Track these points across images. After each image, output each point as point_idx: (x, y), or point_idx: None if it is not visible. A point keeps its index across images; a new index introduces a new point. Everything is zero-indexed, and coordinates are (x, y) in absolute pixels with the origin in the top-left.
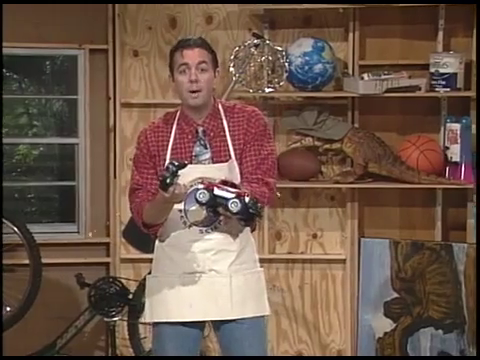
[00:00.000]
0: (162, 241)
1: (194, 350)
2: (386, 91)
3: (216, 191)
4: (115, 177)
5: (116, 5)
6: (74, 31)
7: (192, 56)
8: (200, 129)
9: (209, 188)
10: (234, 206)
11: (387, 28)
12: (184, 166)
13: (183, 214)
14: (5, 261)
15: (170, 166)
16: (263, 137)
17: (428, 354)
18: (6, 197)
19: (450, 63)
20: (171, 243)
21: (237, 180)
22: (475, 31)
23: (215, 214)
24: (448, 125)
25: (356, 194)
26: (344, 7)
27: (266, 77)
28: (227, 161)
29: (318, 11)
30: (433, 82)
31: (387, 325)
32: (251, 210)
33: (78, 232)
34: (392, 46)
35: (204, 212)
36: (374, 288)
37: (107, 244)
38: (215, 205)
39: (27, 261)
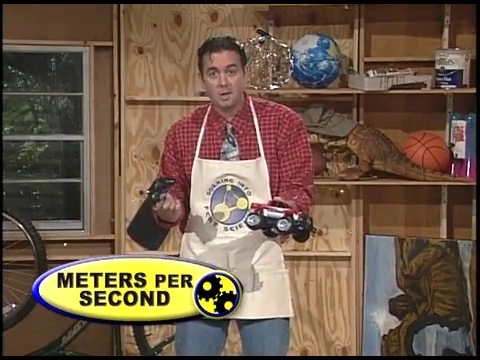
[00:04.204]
0: (186, 237)
1: (216, 347)
2: (391, 88)
3: (265, 213)
4: (120, 174)
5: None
6: (79, 28)
7: (221, 60)
8: (229, 126)
9: (258, 211)
10: (283, 226)
11: (392, 25)
12: (171, 183)
13: (209, 211)
14: (10, 258)
15: (156, 183)
16: (298, 139)
17: (433, 351)
18: (11, 194)
19: (456, 60)
20: (195, 239)
21: (265, 179)
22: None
23: (270, 235)
24: (454, 122)
25: (361, 191)
26: (349, 4)
27: (271, 74)
28: (255, 158)
29: (323, 8)
30: (439, 79)
31: (392, 322)
32: (300, 227)
33: (83, 229)
34: (397, 43)
35: (230, 210)
36: (379, 285)
37: (112, 241)
38: (267, 227)
39: (32, 258)
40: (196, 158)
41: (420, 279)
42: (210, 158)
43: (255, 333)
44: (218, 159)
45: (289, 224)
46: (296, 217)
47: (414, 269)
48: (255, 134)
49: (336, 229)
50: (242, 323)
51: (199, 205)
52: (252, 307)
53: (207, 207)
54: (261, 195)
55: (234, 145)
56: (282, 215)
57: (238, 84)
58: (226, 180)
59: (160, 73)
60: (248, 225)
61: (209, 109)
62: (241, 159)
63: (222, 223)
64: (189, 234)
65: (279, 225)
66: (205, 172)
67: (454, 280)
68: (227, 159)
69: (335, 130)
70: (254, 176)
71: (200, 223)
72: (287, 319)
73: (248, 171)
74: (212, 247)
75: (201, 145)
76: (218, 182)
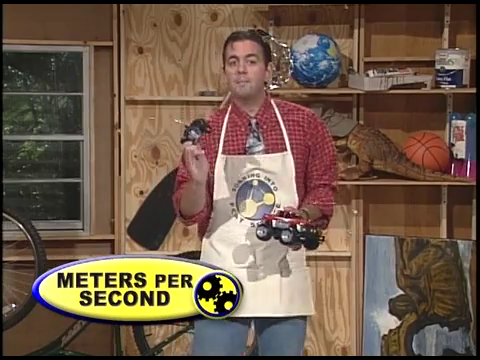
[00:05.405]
0: (209, 237)
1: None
2: (391, 88)
3: (274, 224)
4: (120, 174)
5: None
6: (79, 28)
7: (241, 48)
8: (253, 121)
9: (267, 222)
10: (286, 237)
11: (392, 25)
12: (208, 131)
13: (234, 207)
14: (10, 258)
15: (197, 121)
16: (326, 138)
17: (433, 351)
18: (11, 194)
19: (456, 60)
20: (220, 237)
21: (291, 174)
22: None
23: (282, 243)
24: (454, 122)
25: (361, 191)
26: (349, 4)
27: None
28: (281, 152)
29: (323, 8)
30: (439, 79)
31: (392, 322)
32: (302, 238)
33: (83, 229)
34: (397, 43)
35: (257, 205)
36: (379, 285)
37: (112, 241)
38: (275, 237)
39: (32, 258)
40: (220, 155)
41: (420, 279)
42: (235, 154)
43: (275, 336)
44: (244, 154)
45: (291, 235)
46: (299, 227)
47: (414, 269)
48: (280, 129)
49: (336, 229)
50: (263, 325)
51: (224, 202)
52: (279, 305)
53: (232, 203)
54: (287, 190)
55: (259, 139)
56: (287, 226)
57: (257, 75)
58: (252, 175)
59: (160, 73)
60: (257, 236)
61: (229, 108)
62: (267, 153)
63: (248, 219)
64: (212, 233)
65: (282, 236)
66: (230, 168)
67: (454, 280)
68: (253, 153)
69: (335, 130)
70: (280, 170)
71: (225, 220)
72: (305, 322)
73: (275, 165)
74: (238, 244)
75: (224, 142)
76: (244, 178)
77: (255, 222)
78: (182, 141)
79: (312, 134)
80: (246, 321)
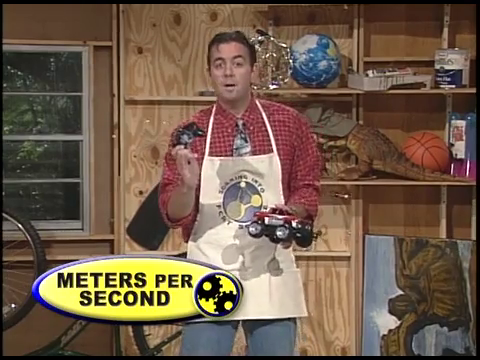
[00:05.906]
0: (195, 240)
1: (226, 354)
2: (391, 88)
3: (267, 221)
4: (119, 174)
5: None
6: (78, 28)
7: (227, 50)
8: (240, 122)
9: (260, 219)
10: (281, 233)
11: (392, 25)
12: (201, 135)
13: (222, 209)
14: (10, 258)
15: (189, 126)
16: (309, 138)
17: (433, 351)
18: (11, 194)
19: (455, 60)
20: (207, 240)
21: (278, 175)
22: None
23: (275, 241)
24: (453, 122)
25: (361, 191)
26: (349, 4)
27: (270, 74)
28: (268, 154)
29: (323, 8)
30: (438, 79)
31: (392, 322)
32: (298, 234)
33: (82, 229)
34: (397, 43)
35: (244, 207)
36: (379, 285)
37: (111, 241)
38: (268, 234)
39: (31, 258)
40: (206, 157)
41: (419, 279)
42: (223, 155)
43: (267, 338)
44: (231, 156)
45: (287, 231)
46: (294, 224)
47: (413, 269)
48: (266, 130)
49: (335, 229)
50: (253, 327)
51: (210, 204)
52: (270, 307)
53: (219, 206)
54: (273, 191)
55: (246, 141)
56: (281, 222)
57: (244, 77)
58: (240, 177)
59: (159, 73)
60: (250, 233)
61: (214, 109)
62: (254, 154)
63: (236, 221)
64: (199, 236)
65: (278, 233)
66: (218, 170)
67: (453, 280)
68: (240, 155)
69: (334, 130)
70: (267, 171)
71: (212, 223)
72: (295, 323)
73: (262, 166)
74: (226, 247)
75: (211, 143)
76: (231, 179)
77: (244, 224)
78: (174, 145)
79: (297, 134)
80: (234, 323)
